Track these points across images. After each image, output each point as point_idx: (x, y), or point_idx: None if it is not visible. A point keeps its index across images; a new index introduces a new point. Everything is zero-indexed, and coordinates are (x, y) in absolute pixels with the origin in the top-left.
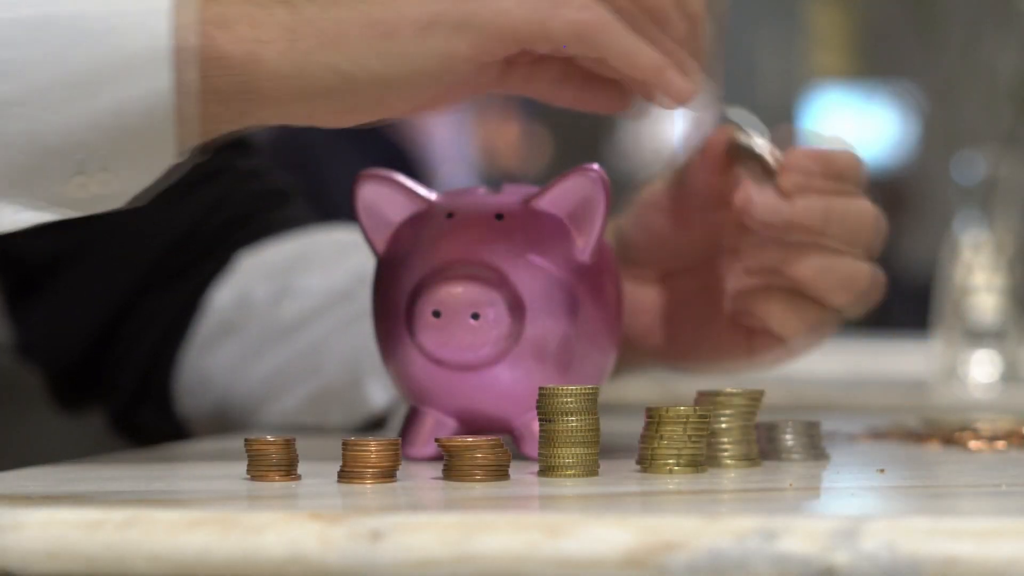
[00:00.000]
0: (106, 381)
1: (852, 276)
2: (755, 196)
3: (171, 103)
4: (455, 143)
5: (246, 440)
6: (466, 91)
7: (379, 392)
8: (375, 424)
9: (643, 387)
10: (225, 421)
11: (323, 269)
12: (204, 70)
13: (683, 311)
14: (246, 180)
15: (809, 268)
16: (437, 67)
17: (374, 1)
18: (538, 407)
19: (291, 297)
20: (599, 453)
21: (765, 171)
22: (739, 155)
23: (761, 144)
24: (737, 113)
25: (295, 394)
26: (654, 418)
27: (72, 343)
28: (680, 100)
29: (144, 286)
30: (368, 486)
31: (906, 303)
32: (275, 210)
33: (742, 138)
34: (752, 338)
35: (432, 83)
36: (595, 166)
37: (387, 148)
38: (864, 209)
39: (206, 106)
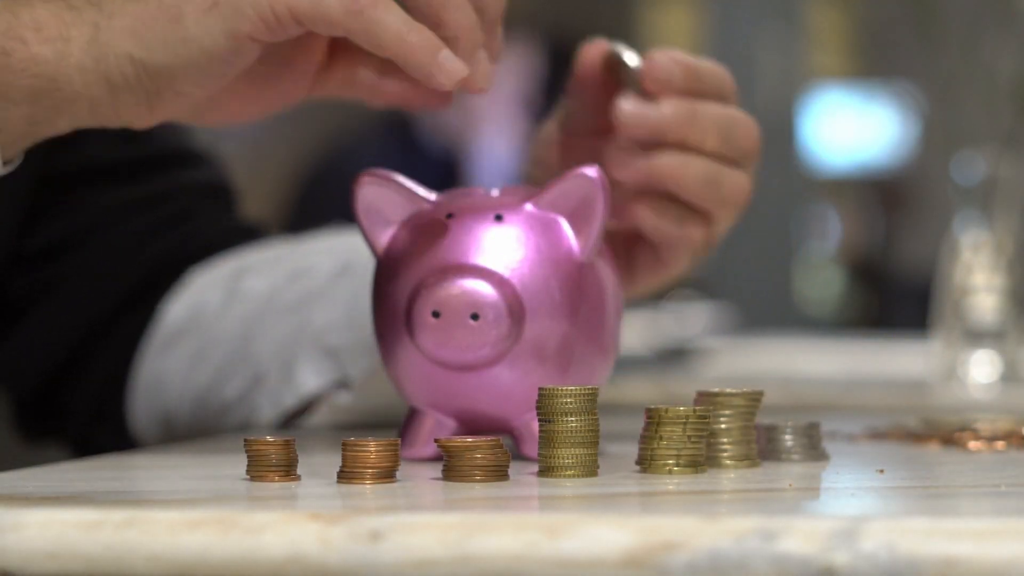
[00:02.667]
0: (66, 408)
1: (727, 184)
2: (623, 104)
3: None
4: (498, 155)
5: (246, 440)
6: (272, 90)
7: (310, 376)
8: (305, 408)
9: (643, 387)
10: (176, 431)
11: (265, 272)
12: (16, 72)
13: None
14: (195, 191)
15: (680, 171)
16: (223, 49)
17: None
18: (538, 407)
19: (238, 301)
20: (599, 453)
21: (640, 84)
22: (615, 71)
23: (633, 57)
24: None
25: (232, 387)
26: (654, 418)
27: (35, 372)
28: (455, 82)
29: (106, 311)
30: (368, 486)
31: (906, 303)
32: (224, 215)
33: (615, 53)
34: (632, 250)
35: (221, 67)
36: (594, 166)
37: (431, 150)
38: (737, 117)
39: (18, 108)
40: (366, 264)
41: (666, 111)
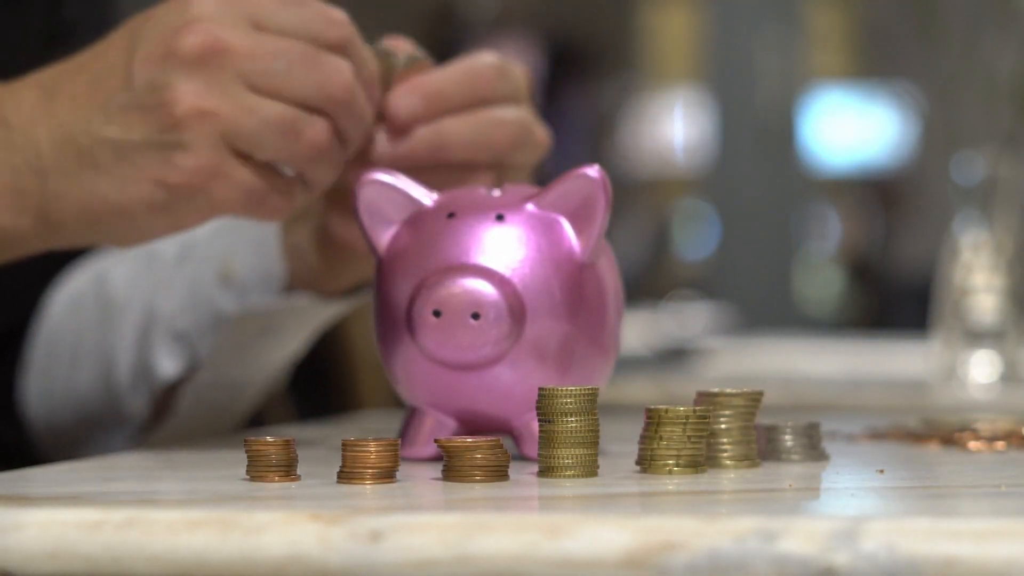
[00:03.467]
0: None
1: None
2: (378, 148)
3: None
4: None
5: (246, 440)
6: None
7: (166, 362)
8: (167, 394)
9: (643, 387)
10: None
11: (128, 260)
12: None
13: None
14: None
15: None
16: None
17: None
18: (538, 407)
19: (104, 292)
20: (599, 453)
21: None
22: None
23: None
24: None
25: (87, 380)
26: (654, 419)
27: None
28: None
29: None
30: (368, 486)
31: (906, 303)
32: None
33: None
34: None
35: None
36: (595, 166)
37: None
38: (485, 118)
39: None
40: (204, 244)
41: (413, 143)
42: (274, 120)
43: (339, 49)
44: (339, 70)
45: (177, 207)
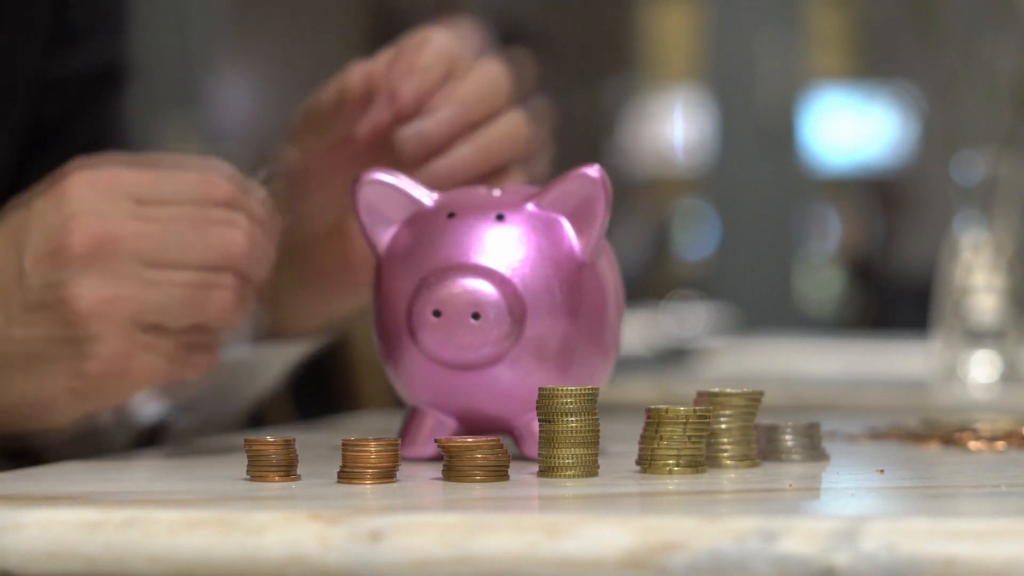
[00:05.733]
0: None
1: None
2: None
3: None
4: None
5: (246, 440)
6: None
7: (148, 406)
8: (148, 434)
9: (643, 387)
10: None
11: None
12: None
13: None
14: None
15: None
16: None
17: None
18: (538, 407)
19: None
20: (599, 453)
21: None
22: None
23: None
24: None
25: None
26: (654, 418)
27: None
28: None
29: None
30: (368, 486)
31: (906, 303)
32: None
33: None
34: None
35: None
36: (595, 166)
37: None
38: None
39: None
40: None
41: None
42: (176, 298)
43: (225, 212)
44: (231, 237)
45: (99, 392)
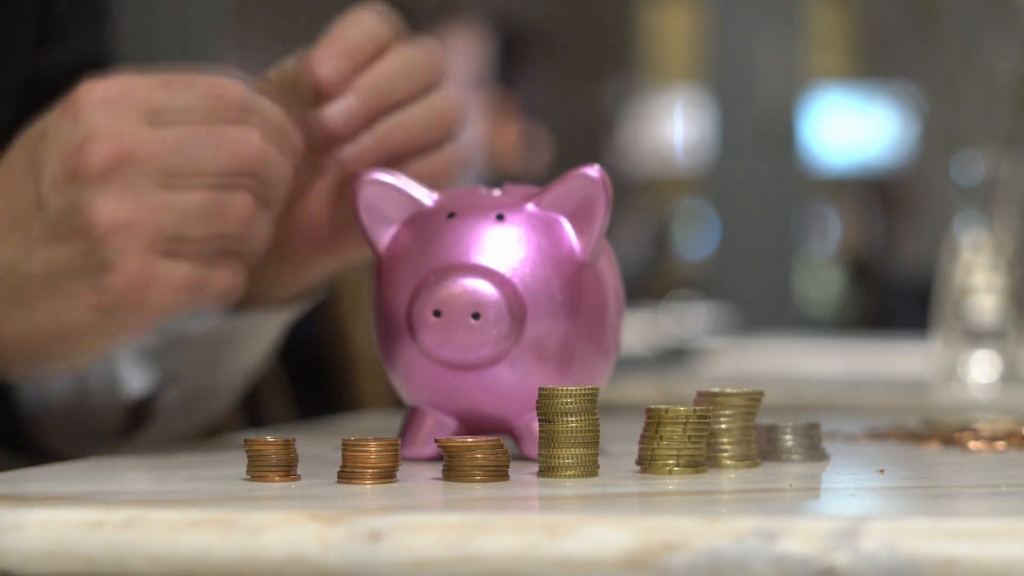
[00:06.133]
0: None
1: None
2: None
3: None
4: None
5: (246, 440)
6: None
7: (135, 379)
8: (139, 411)
9: (643, 387)
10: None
11: None
12: None
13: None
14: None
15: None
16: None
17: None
18: (538, 407)
19: None
20: (599, 453)
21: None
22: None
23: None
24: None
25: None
26: (654, 418)
27: None
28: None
29: None
30: (368, 486)
31: (906, 303)
32: None
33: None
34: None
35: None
36: (595, 166)
37: None
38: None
39: None
40: None
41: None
42: (195, 209)
43: (239, 116)
44: (246, 140)
45: (118, 324)
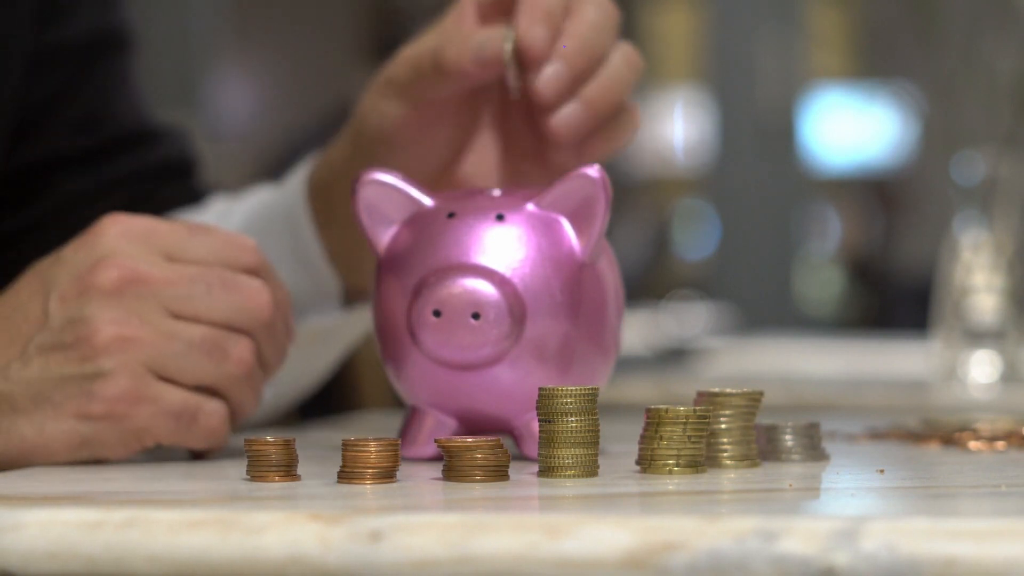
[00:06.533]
0: None
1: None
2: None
3: None
4: None
5: (246, 440)
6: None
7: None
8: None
9: (643, 387)
10: None
11: None
12: None
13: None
14: (153, 171)
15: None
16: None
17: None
18: (538, 407)
19: None
20: (599, 453)
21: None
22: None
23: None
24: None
25: None
26: (654, 419)
27: None
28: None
29: None
30: (368, 486)
31: (906, 303)
32: (183, 190)
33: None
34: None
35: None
36: (595, 166)
37: None
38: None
39: None
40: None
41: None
42: (199, 342)
43: (254, 269)
44: (258, 291)
45: (100, 439)
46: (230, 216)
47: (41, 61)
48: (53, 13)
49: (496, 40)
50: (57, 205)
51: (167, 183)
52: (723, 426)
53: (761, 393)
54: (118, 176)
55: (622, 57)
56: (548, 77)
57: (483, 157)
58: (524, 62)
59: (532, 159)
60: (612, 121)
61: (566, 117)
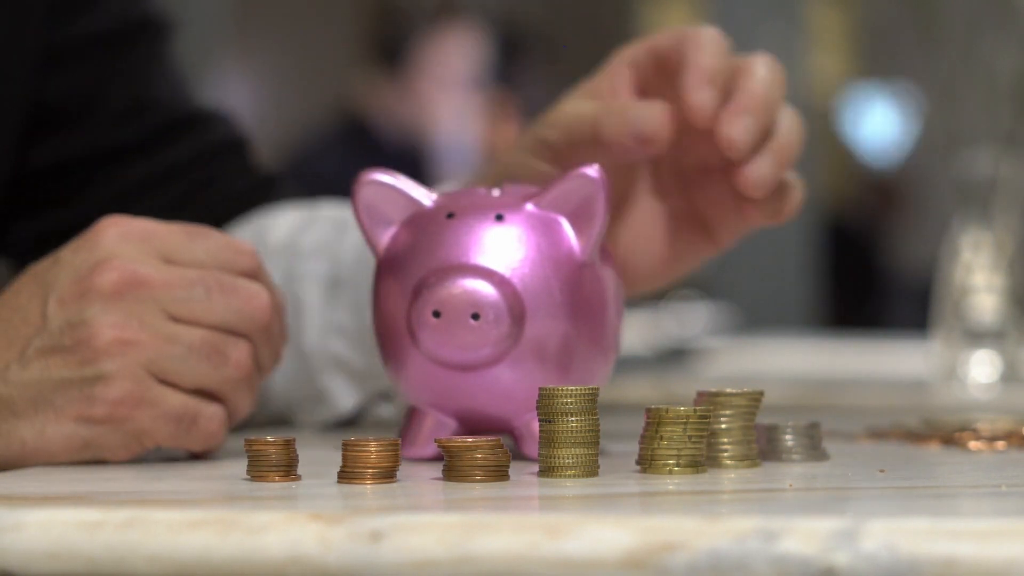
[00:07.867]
0: None
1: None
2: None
3: None
4: (457, 143)
5: (246, 440)
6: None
7: (344, 398)
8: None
9: (643, 387)
10: None
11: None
12: None
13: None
14: (210, 154)
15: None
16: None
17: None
18: (538, 407)
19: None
20: (599, 453)
21: None
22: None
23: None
24: None
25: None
26: (654, 418)
27: None
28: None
29: None
30: (368, 486)
31: (906, 303)
32: (242, 171)
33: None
34: (678, 230)
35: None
36: (595, 166)
37: (391, 147)
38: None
39: None
40: (352, 273)
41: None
42: (198, 345)
43: (253, 273)
44: (257, 294)
45: (101, 442)
46: (343, 241)
47: (60, 57)
48: (69, 9)
49: (657, 117)
50: (106, 200)
51: (225, 166)
52: (723, 426)
53: (761, 393)
54: (173, 163)
55: (791, 119)
56: (741, 128)
57: (641, 224)
58: (692, 125)
59: (689, 225)
60: (777, 190)
61: (759, 168)
